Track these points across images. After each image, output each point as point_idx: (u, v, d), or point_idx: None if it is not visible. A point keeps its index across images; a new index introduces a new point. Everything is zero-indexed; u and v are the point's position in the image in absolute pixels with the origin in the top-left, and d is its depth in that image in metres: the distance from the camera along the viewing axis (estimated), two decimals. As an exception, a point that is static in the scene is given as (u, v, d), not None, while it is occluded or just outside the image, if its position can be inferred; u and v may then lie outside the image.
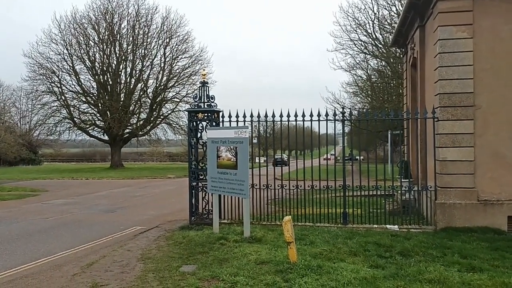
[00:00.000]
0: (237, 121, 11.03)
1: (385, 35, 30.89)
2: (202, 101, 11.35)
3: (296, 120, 10.97)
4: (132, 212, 13.97)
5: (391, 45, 18.51)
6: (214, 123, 11.15)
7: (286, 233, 6.85)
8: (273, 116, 10.96)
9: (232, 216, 11.38)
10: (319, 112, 10.73)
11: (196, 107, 11.35)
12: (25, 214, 13.36)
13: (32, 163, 59.51)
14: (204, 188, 11.17)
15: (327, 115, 10.80)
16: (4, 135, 52.87)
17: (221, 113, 11.42)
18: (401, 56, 18.11)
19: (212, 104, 11.27)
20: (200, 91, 11.39)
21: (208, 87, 11.45)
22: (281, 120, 10.99)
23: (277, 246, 8.22)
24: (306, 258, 7.19)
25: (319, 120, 10.71)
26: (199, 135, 11.38)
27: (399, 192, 11.83)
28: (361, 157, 48.68)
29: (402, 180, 12.71)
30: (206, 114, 11.23)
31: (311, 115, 10.77)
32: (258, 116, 11.03)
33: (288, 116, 10.87)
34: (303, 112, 10.78)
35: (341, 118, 11.00)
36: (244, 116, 10.99)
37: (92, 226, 11.28)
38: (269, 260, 7.21)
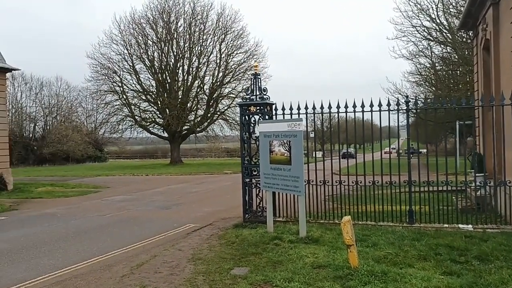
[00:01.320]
0: (291, 113, 10.43)
1: (450, 19, 28.88)
2: (254, 94, 10.86)
3: (354, 112, 10.17)
4: (187, 209, 13.82)
5: (459, 28, 17.02)
6: (267, 117, 10.63)
7: (345, 234, 6.20)
8: (329, 107, 10.24)
9: (287, 214, 10.83)
10: (380, 102, 9.87)
11: (248, 100, 10.88)
12: (84, 211, 13.61)
13: (98, 160, 62.46)
14: (258, 185, 10.69)
15: (389, 104, 9.92)
16: (72, 134, 55.84)
17: (274, 106, 10.87)
18: (470, 40, 16.61)
19: (265, 96, 10.75)
20: (252, 84, 10.91)
21: (260, 79, 10.94)
22: (338, 112, 10.24)
23: (336, 248, 7.57)
24: (369, 262, 6.49)
25: (380, 111, 9.86)
26: (251, 129, 10.93)
27: (472, 187, 10.68)
28: (425, 150, 46.13)
29: (476, 174, 11.54)
30: (258, 107, 10.74)
31: (371, 105, 9.92)
32: (314, 107, 10.36)
33: (346, 107, 10.10)
34: (362, 102, 9.98)
35: (405, 107, 10.08)
36: (299, 108, 10.35)
37: (146, 223, 11.19)
38: (327, 264, 6.59)
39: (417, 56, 32.41)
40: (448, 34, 28.96)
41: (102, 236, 9.71)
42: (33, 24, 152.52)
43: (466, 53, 28.84)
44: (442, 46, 31.29)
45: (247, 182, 10.82)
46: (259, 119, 10.77)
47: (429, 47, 31.92)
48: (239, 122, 39.56)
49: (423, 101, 10.19)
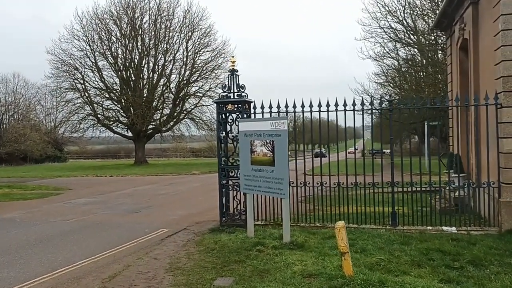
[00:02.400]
0: (271, 112, 9.95)
1: (417, 21, 29.33)
2: (232, 91, 10.32)
3: (336, 111, 9.81)
4: (158, 212, 13.09)
5: (433, 28, 17.09)
6: (245, 115, 10.12)
7: (340, 241, 5.77)
8: (311, 106, 9.83)
9: (266, 217, 10.36)
10: (354, 101, 9.65)
11: (225, 97, 10.33)
12: (46, 215, 12.63)
13: (58, 161, 60.02)
14: (235, 187, 10.17)
15: (362, 104, 9.63)
16: (30, 133, 53.36)
17: (252, 104, 10.39)
18: (444, 40, 16.67)
19: (243, 94, 10.23)
20: (229, 80, 10.36)
21: (238, 75, 10.39)
22: (319, 111, 9.83)
23: (324, 254, 7.15)
24: (362, 270, 6.09)
25: (354, 110, 9.64)
26: (228, 128, 10.39)
27: (449, 188, 10.53)
28: (388, 151, 46.73)
29: (454, 175, 11.44)
30: (236, 105, 10.20)
31: (354, 104, 9.64)
32: (294, 106, 9.91)
33: (328, 105, 9.72)
34: (345, 101, 9.66)
35: (387, 106, 9.82)
36: (278, 107, 9.88)
37: (115, 228, 10.43)
38: (318, 272, 6.14)
39: (383, 57, 32.76)
40: (415, 36, 29.40)
41: (67, 243, 8.89)
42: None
43: (435, 54, 29.42)
44: (409, 48, 31.74)
45: (224, 183, 10.28)
46: (236, 117, 10.25)
47: (395, 49, 32.32)
48: (206, 121, 38.63)
49: (387, 101, 9.90)
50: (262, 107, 10.06)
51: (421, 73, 33.11)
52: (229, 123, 10.33)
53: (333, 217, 9.94)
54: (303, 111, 9.85)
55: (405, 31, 29.73)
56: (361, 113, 9.88)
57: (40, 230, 10.35)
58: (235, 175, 10.24)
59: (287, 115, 9.76)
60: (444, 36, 26.49)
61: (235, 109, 10.20)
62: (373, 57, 32.49)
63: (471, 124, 10.58)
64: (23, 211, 13.47)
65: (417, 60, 32.22)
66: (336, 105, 9.74)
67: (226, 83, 10.39)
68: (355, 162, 9.82)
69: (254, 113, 10.28)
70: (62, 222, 11.30)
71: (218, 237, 8.84)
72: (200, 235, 9.36)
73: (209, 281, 6.10)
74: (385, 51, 31.90)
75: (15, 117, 57.88)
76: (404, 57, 32.67)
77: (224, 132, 10.42)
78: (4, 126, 55.89)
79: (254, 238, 8.56)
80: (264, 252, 7.53)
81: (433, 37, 28.82)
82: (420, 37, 29.12)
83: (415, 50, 31.07)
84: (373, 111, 10.49)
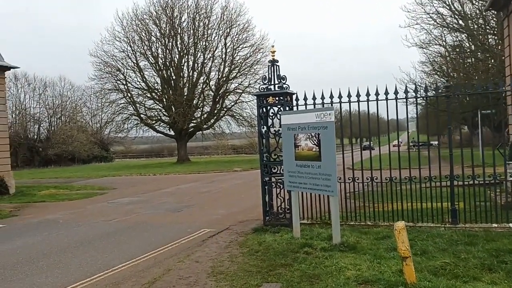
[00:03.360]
0: (314, 103, 9.30)
1: (466, 4, 27.62)
2: (272, 83, 9.76)
3: (387, 99, 9.06)
4: (200, 211, 12.77)
5: (487, 8, 15.80)
6: (287, 108, 9.54)
7: (400, 244, 5.11)
8: (358, 95, 9.11)
9: (312, 215, 9.77)
10: (406, 89, 8.88)
11: (265, 90, 9.79)
12: (89, 216, 12.58)
13: (104, 161, 61.64)
14: (279, 184, 9.64)
15: (416, 91, 8.77)
16: (77, 134, 55.04)
17: (294, 96, 9.78)
18: (502, 20, 15.36)
19: (284, 85, 9.66)
20: (270, 72, 9.81)
21: (278, 66, 9.82)
22: (368, 100, 9.09)
23: (380, 256, 6.49)
24: (426, 276, 5.41)
25: (417, 97, 8.77)
26: (270, 122, 9.85)
27: None
28: (435, 142, 44.49)
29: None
30: (277, 98, 9.64)
31: (396, 92, 8.88)
32: (340, 96, 9.21)
33: (377, 94, 8.97)
34: (396, 89, 8.88)
35: (443, 91, 8.96)
36: (323, 98, 9.22)
37: (156, 229, 10.14)
38: (374, 278, 5.51)
39: (429, 44, 31.24)
40: (462, 21, 27.75)
41: (108, 245, 8.66)
42: (36, 25, 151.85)
43: (484, 39, 27.62)
44: (456, 33, 30.07)
45: (266, 181, 9.77)
46: (278, 110, 9.70)
47: (442, 35, 30.72)
48: (246, 118, 38.16)
49: (444, 87, 8.97)
50: (305, 99, 9.44)
51: (470, 60, 31.29)
52: (271, 117, 9.78)
53: (386, 214, 9.24)
54: (349, 101, 9.14)
55: (453, 16, 28.09)
56: (415, 101, 9.07)
57: (82, 231, 10.23)
58: (278, 172, 9.72)
59: (332, 105, 9.07)
60: (495, 19, 24.97)
61: (276, 101, 9.65)
62: (418, 45, 31.07)
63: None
64: (67, 212, 13.51)
65: (465, 47, 30.47)
66: (386, 93, 9.00)
67: (266, 75, 9.85)
68: (409, 155, 9.03)
69: (297, 105, 9.66)
70: (104, 223, 11.16)
71: (262, 238, 8.34)
72: (243, 236, 8.89)
73: (255, 287, 5.60)
74: (431, 37, 30.38)
75: (63, 119, 59.83)
76: (451, 44, 31.01)
77: (265, 127, 9.90)
78: (53, 128, 57.89)
79: (301, 238, 8.00)
80: (312, 254, 6.96)
81: (482, 21, 27.14)
82: (469, 21, 27.43)
83: (463, 35, 29.41)
84: (427, 98, 9.67)
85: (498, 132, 36.45)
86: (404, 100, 10.26)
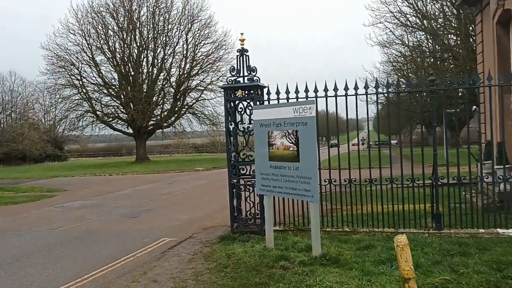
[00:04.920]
0: (288, 98, 8.39)
1: (428, 5, 27.76)
2: (242, 74, 8.79)
3: (366, 94, 8.30)
4: (159, 216, 11.59)
5: (460, 4, 15.46)
6: (257, 103, 8.59)
7: (403, 263, 4.24)
8: (336, 89, 8.28)
9: (284, 220, 8.85)
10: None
11: (233, 82, 8.80)
12: (32, 223, 11.14)
13: (58, 160, 58.61)
14: (248, 186, 8.68)
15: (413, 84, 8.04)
16: (28, 132, 51.88)
17: (265, 90, 8.84)
18: (474, 15, 15.01)
19: (255, 78, 8.70)
20: (238, 62, 8.81)
21: (248, 56, 8.85)
22: (346, 95, 8.27)
23: (367, 272, 5.64)
24: (429, 298, 4.59)
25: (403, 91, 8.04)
26: (238, 118, 8.87)
27: (489, 182, 8.90)
28: (395, 142, 44.66)
29: (496, 167, 9.90)
30: (247, 91, 8.67)
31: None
32: (316, 90, 8.32)
33: (356, 88, 8.16)
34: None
35: (428, 87, 8.26)
36: (297, 92, 8.31)
37: (108, 239, 8.92)
38: (369, 301, 4.64)
39: (393, 43, 31.30)
40: (425, 20, 27.89)
41: (50, 261, 7.39)
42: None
43: (448, 37, 27.81)
44: (418, 33, 30.27)
45: (234, 183, 8.77)
46: (247, 105, 8.74)
47: (404, 34, 30.84)
48: (208, 116, 36.85)
49: (430, 80, 8.33)
50: (278, 93, 8.50)
51: (429, 60, 31.64)
52: (239, 112, 8.81)
53: (363, 218, 8.47)
54: (326, 96, 8.28)
55: (415, 15, 28.17)
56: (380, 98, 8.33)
57: (20, 243, 8.85)
58: (247, 173, 8.76)
59: (307, 99, 8.13)
60: (456, 19, 25.12)
61: (246, 95, 8.68)
62: (381, 44, 31.06)
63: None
64: (7, 218, 11.99)
65: (425, 47, 30.82)
66: (366, 87, 8.24)
67: (235, 66, 8.85)
68: (390, 153, 8.29)
69: (268, 99, 8.71)
70: (48, 232, 9.79)
71: (230, 249, 7.35)
72: (209, 246, 7.87)
73: (225, 316, 4.61)
74: (394, 37, 30.44)
75: (13, 116, 56.39)
76: (411, 45, 31.23)
77: (233, 123, 8.91)
78: (2, 125, 54.43)
79: (275, 249, 7.06)
80: (290, 269, 6.04)
81: (442, 20, 27.48)
82: (432, 20, 27.62)
83: (423, 36, 29.75)
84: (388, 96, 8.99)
85: (453, 131, 37.16)
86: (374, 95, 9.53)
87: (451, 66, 27.97)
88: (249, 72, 8.72)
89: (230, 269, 6.26)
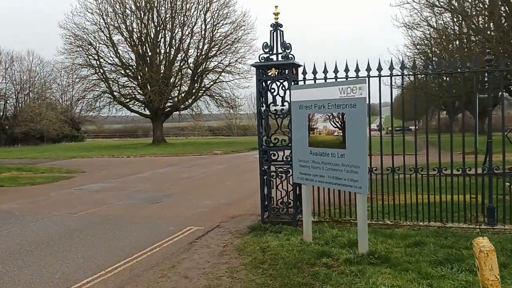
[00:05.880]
0: (325, 78, 7.66)
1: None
2: (275, 52, 8.09)
3: (415, 74, 7.50)
4: (182, 202, 11.06)
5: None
6: (292, 83, 7.88)
7: (487, 273, 3.56)
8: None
9: (319, 210, 8.22)
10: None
11: (266, 60, 8.10)
12: (51, 206, 10.71)
13: (75, 140, 58.74)
14: (280, 174, 8.06)
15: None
16: (46, 112, 51.94)
17: (301, 69, 8.10)
18: None
19: (289, 56, 8.00)
20: (272, 38, 8.10)
21: (282, 31, 8.13)
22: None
23: (426, 275, 4.98)
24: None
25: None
26: (270, 99, 8.20)
27: None
28: (412, 127, 43.42)
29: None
30: (281, 70, 7.97)
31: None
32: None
33: (403, 68, 7.39)
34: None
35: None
36: (336, 72, 7.52)
37: (131, 226, 8.40)
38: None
39: (420, 25, 30.10)
40: (453, 1, 26.69)
41: (70, 249, 6.90)
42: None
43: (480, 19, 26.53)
44: (446, 15, 29.05)
45: (265, 169, 8.15)
46: (280, 86, 8.05)
47: (433, 15, 29.57)
48: (226, 98, 36.25)
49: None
50: (315, 72, 7.72)
51: (454, 44, 30.46)
52: (272, 92, 8.13)
53: (404, 210, 7.79)
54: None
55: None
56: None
57: (39, 228, 8.39)
58: (278, 159, 8.13)
59: (347, 79, 7.36)
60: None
61: (280, 75, 7.98)
62: (408, 26, 29.90)
63: None
64: (26, 200, 11.60)
65: (451, 29, 29.67)
66: (412, 67, 7.45)
67: (268, 42, 8.13)
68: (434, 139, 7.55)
69: (304, 79, 7.98)
70: (68, 217, 9.33)
71: (264, 241, 6.77)
72: (239, 237, 7.29)
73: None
74: (420, 19, 29.25)
75: (31, 96, 56.44)
76: (437, 27, 30.01)
77: (264, 105, 8.25)
78: (20, 105, 54.53)
79: (314, 244, 6.45)
80: (335, 268, 5.42)
81: (471, 0, 26.20)
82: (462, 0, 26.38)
83: (449, 19, 28.57)
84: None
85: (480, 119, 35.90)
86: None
87: (477, 49, 26.75)
88: (283, 49, 8.01)
89: (268, 265, 5.67)
